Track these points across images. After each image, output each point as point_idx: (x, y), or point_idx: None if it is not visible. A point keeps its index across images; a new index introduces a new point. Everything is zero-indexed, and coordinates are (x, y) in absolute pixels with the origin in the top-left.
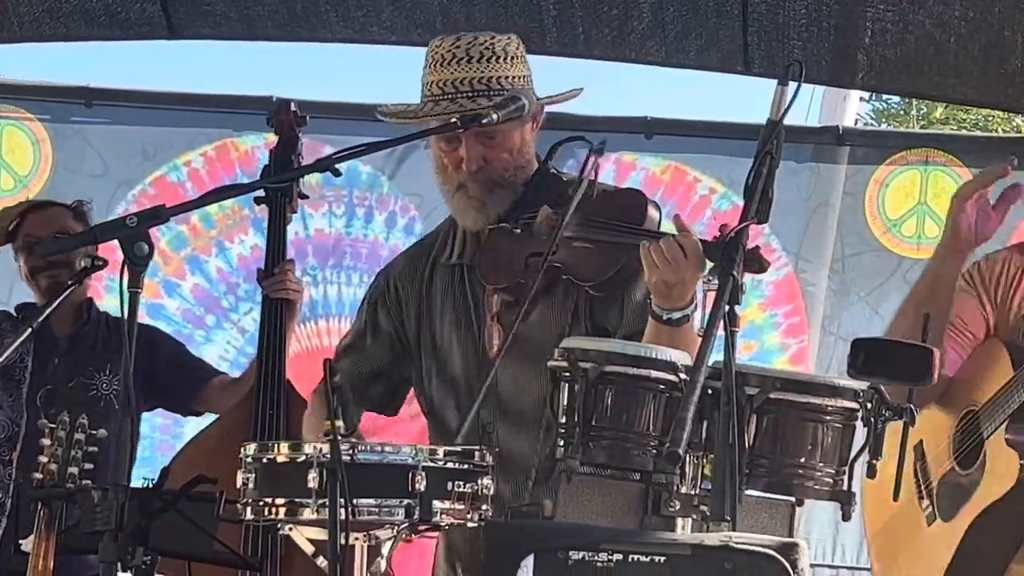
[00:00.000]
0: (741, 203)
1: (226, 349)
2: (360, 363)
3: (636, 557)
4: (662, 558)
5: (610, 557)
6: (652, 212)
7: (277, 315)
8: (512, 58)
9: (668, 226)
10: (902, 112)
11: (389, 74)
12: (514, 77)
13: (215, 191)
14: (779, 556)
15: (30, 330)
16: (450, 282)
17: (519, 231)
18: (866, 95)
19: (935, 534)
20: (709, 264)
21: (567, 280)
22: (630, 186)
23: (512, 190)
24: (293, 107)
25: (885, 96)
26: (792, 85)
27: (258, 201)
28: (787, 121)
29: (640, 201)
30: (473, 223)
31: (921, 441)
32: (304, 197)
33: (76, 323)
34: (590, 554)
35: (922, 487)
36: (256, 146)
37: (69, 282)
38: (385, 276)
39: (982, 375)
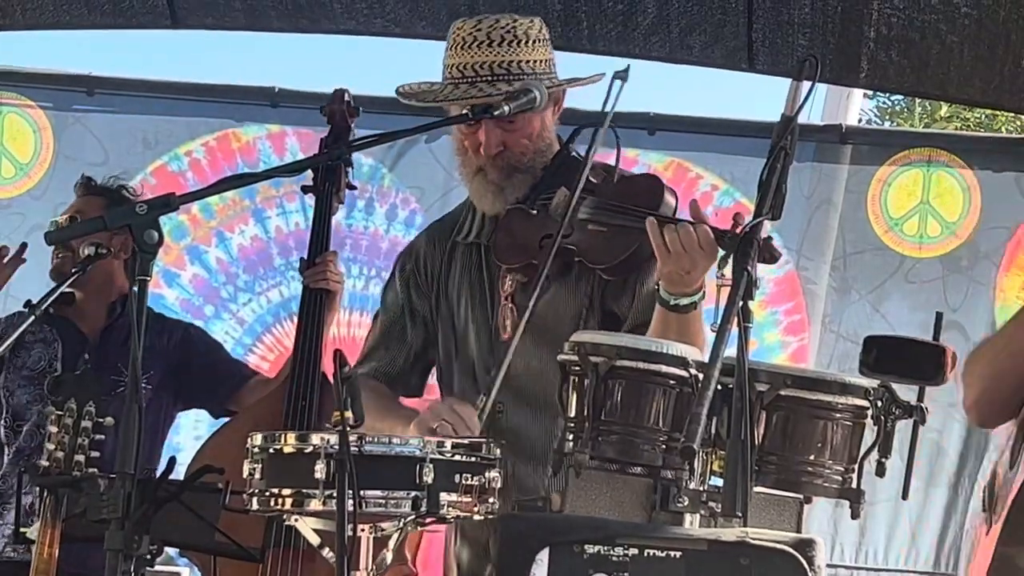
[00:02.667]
0: (743, 200)
1: (224, 339)
2: (397, 355)
3: (652, 552)
4: (678, 553)
5: (626, 551)
6: (668, 198)
7: (317, 305)
8: (534, 42)
9: (686, 213)
10: (906, 109)
11: (393, 67)
12: (536, 61)
13: (227, 179)
14: (796, 552)
15: (32, 317)
16: (468, 262)
17: (535, 212)
18: (870, 93)
19: None
20: (721, 253)
21: (580, 263)
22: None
23: (531, 174)
24: (347, 97)
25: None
26: (807, 82)
27: (305, 190)
28: None
29: (657, 186)
30: (491, 207)
31: None
32: (352, 188)
33: (109, 318)
34: (605, 548)
35: None
36: (258, 136)
37: (72, 270)
38: (411, 255)
39: None
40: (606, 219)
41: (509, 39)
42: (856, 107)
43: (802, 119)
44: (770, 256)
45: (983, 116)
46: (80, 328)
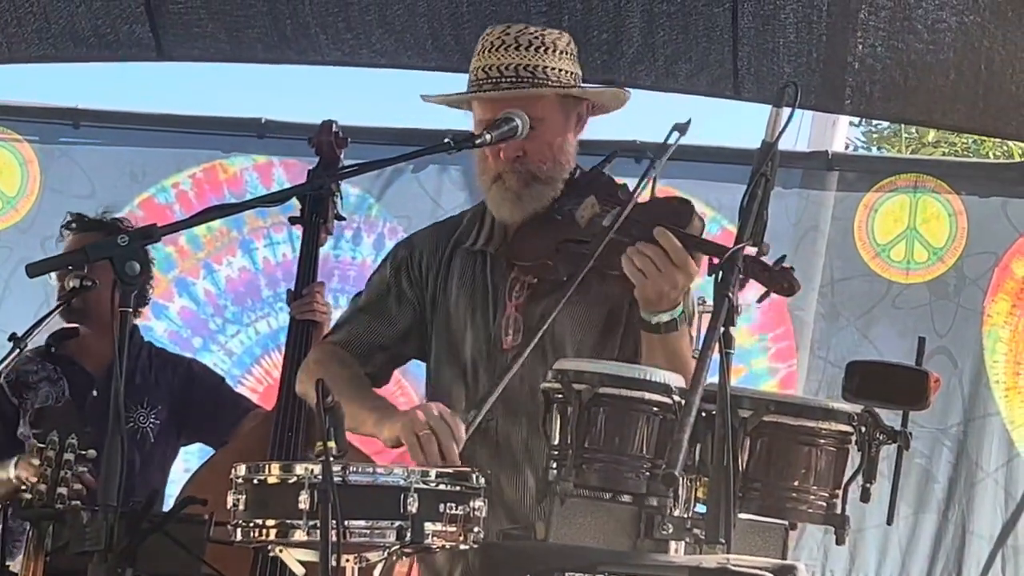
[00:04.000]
0: (731, 228)
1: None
2: (378, 326)
3: None
4: None
5: None
6: (696, 222)
7: (304, 337)
8: (561, 52)
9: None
10: (893, 135)
11: (380, 97)
12: (561, 70)
13: (209, 209)
14: None
15: (17, 351)
16: (470, 267)
17: (560, 217)
18: (856, 120)
19: None
20: (704, 260)
21: (598, 280)
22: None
23: (551, 186)
24: (335, 128)
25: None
26: (787, 108)
27: (292, 220)
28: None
29: (686, 209)
30: (509, 215)
31: None
32: (341, 219)
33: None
34: None
35: None
36: (245, 168)
37: (57, 303)
38: (409, 245)
39: None
40: (630, 231)
41: (537, 44)
42: (842, 134)
43: (789, 146)
44: (788, 286)
45: (970, 141)
46: (84, 366)
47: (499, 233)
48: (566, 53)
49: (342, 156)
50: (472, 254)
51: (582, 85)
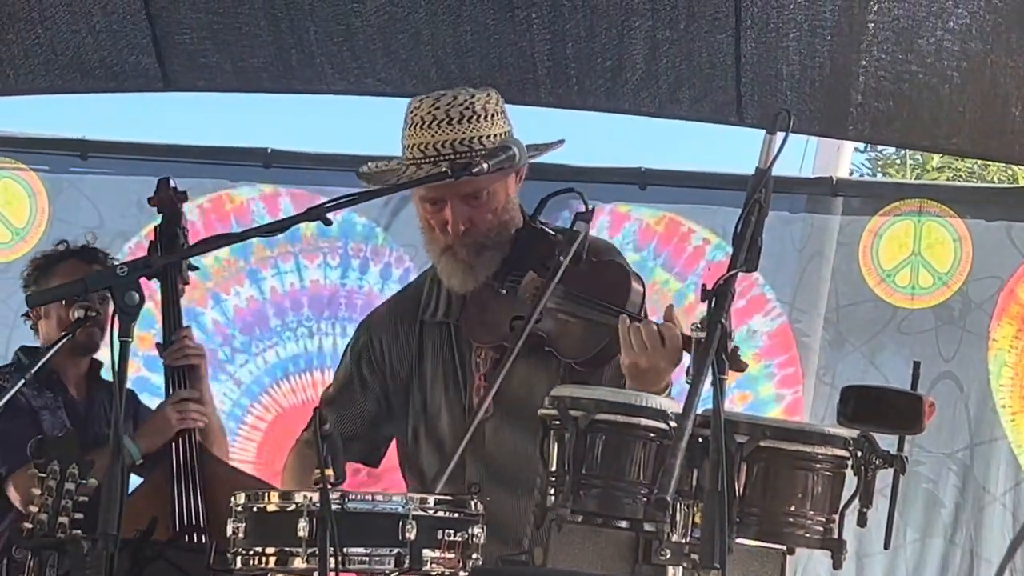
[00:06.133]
0: None
1: (221, 401)
2: (346, 415)
3: None
4: None
5: None
6: (636, 287)
7: (181, 381)
8: (492, 116)
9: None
10: (897, 161)
11: (384, 126)
12: (495, 135)
13: (209, 240)
14: None
15: (22, 380)
16: (439, 342)
17: (504, 292)
18: (861, 145)
19: None
20: (687, 357)
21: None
22: (610, 242)
23: (499, 250)
24: (172, 183)
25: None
26: (780, 133)
27: (148, 276)
28: (781, 172)
29: (624, 278)
30: (461, 286)
31: None
32: (194, 269)
33: (89, 389)
34: None
35: None
36: (251, 198)
37: (63, 333)
38: (367, 329)
39: None
40: (575, 310)
41: (468, 115)
42: (847, 159)
43: (793, 172)
44: (737, 367)
45: (974, 166)
46: (72, 393)
47: (457, 302)
48: (496, 114)
49: (183, 209)
50: (437, 327)
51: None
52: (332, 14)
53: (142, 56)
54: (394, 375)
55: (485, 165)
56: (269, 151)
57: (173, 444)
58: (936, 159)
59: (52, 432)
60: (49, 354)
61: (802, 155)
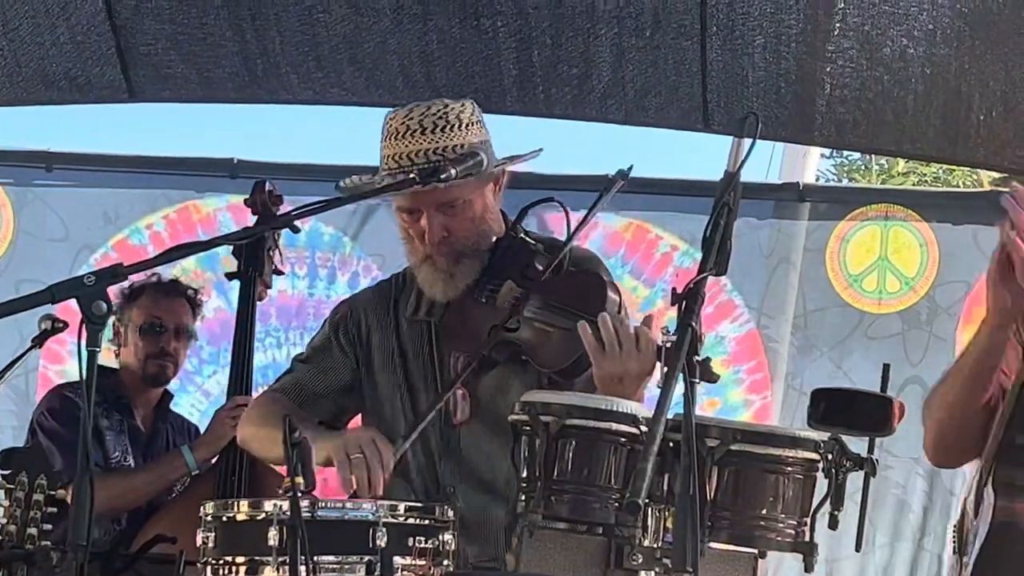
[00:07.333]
0: None
1: (190, 412)
2: (319, 376)
3: None
4: None
5: None
6: (612, 296)
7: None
8: (467, 124)
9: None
10: (863, 167)
11: (351, 135)
12: (470, 144)
13: (172, 249)
14: None
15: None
16: (419, 338)
17: (484, 301)
18: (827, 151)
19: None
20: (658, 367)
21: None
22: (592, 251)
23: (478, 258)
24: (268, 186)
25: (846, 151)
26: (748, 138)
27: (229, 276)
28: (748, 178)
29: (600, 287)
30: (442, 294)
31: None
32: (279, 273)
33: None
34: None
35: None
36: (219, 208)
37: (30, 344)
38: (350, 304)
39: None
40: (551, 320)
41: (442, 125)
42: (813, 165)
43: (760, 178)
44: (710, 377)
45: (940, 171)
46: (137, 419)
47: (438, 304)
48: (472, 123)
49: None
50: (418, 324)
51: (496, 160)
52: (297, 24)
53: (107, 67)
54: (376, 352)
55: (453, 171)
56: (235, 161)
57: (223, 451)
58: (901, 164)
59: (113, 452)
60: (15, 365)
61: (768, 161)
